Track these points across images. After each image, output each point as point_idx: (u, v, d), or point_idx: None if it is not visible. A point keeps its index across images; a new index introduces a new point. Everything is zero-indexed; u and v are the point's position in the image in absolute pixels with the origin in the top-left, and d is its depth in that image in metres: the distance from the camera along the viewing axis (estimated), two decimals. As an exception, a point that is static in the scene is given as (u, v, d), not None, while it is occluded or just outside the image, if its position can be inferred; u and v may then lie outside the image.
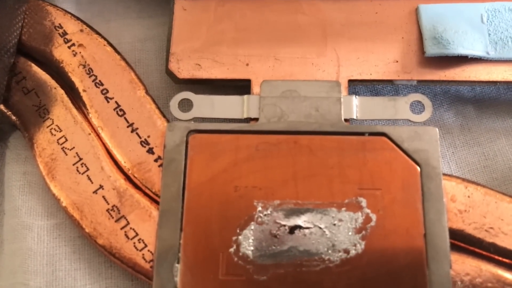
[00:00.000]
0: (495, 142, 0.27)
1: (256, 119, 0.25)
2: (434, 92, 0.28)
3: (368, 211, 0.23)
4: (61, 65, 0.27)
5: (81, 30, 0.27)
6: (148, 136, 0.25)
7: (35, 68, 0.27)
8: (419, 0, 0.28)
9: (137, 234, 0.23)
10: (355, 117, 0.25)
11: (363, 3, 0.28)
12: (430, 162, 0.23)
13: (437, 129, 0.24)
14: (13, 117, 0.26)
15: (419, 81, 0.26)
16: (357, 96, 0.25)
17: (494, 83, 0.26)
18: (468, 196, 0.24)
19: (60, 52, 0.27)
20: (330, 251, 0.22)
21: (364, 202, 0.23)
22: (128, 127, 0.25)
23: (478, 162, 0.26)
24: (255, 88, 0.26)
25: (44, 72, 0.27)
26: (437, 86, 0.27)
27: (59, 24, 0.28)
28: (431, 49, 0.26)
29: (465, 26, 0.26)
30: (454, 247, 0.23)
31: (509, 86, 0.27)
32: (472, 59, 0.26)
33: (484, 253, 0.23)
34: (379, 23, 0.27)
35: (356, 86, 0.28)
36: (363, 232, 0.22)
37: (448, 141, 0.27)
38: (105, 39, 0.27)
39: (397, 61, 0.26)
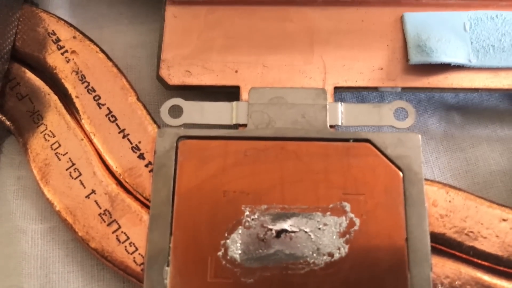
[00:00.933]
0: (477, 147, 0.27)
1: (245, 125, 0.26)
2: (419, 99, 0.29)
3: (352, 215, 0.23)
4: (55, 71, 0.27)
5: (74, 37, 0.28)
6: (139, 142, 0.25)
7: (29, 74, 0.28)
8: (405, 7, 0.28)
9: (128, 238, 0.24)
10: (340, 124, 0.26)
11: (350, 11, 0.28)
12: (412, 168, 0.24)
13: (419, 136, 0.25)
14: (8, 123, 0.27)
15: (403, 88, 0.27)
16: (342, 103, 0.26)
17: (476, 90, 0.27)
18: (449, 201, 0.24)
19: (54, 59, 0.28)
20: (315, 255, 0.23)
21: (348, 207, 0.24)
22: (119, 133, 0.26)
23: (460, 167, 0.27)
24: (244, 95, 0.27)
25: (38, 78, 0.27)
26: (421, 92, 0.28)
27: (52, 30, 0.28)
28: (415, 57, 0.26)
29: (449, 34, 0.27)
30: (435, 251, 0.24)
31: (491, 93, 0.28)
32: (455, 66, 0.27)
33: (464, 256, 0.24)
34: (365, 31, 0.28)
35: (343, 92, 0.28)
36: (347, 236, 0.23)
37: (431, 146, 0.28)
38: (97, 45, 0.28)
39: (382, 69, 0.27)
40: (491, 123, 0.28)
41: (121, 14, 0.31)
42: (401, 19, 0.28)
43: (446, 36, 0.27)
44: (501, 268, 0.24)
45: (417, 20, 0.28)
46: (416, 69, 0.27)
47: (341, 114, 0.26)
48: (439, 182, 0.25)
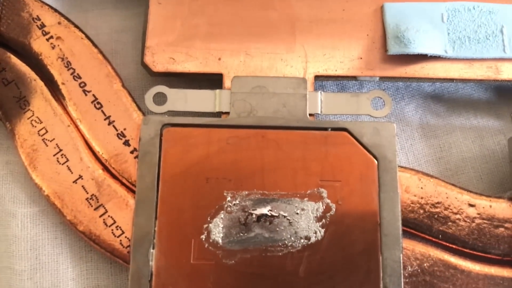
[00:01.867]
0: (451, 134, 0.29)
1: (227, 113, 0.26)
2: (396, 86, 0.30)
3: (328, 201, 0.25)
4: (40, 57, 0.28)
5: (59, 23, 0.28)
6: (124, 129, 0.26)
7: (14, 60, 0.28)
8: (386, -3, 0.29)
9: (114, 222, 0.25)
10: (319, 112, 0.26)
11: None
12: (387, 156, 0.25)
13: (394, 125, 0.26)
14: (-6, 108, 0.27)
15: (381, 78, 0.28)
16: (322, 92, 0.27)
17: (451, 80, 0.28)
18: (421, 188, 0.26)
19: (39, 45, 0.28)
20: (292, 238, 0.24)
21: (325, 193, 0.25)
22: (105, 119, 0.26)
23: (434, 153, 0.28)
24: (227, 82, 0.27)
25: (23, 64, 0.28)
26: (398, 82, 0.29)
27: (37, 16, 0.28)
28: (393, 48, 0.27)
29: (426, 25, 0.28)
30: (406, 234, 0.25)
31: (465, 82, 0.29)
32: (431, 57, 0.27)
33: (433, 239, 0.25)
34: (346, 20, 0.28)
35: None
36: (323, 220, 0.24)
37: (407, 133, 0.29)
38: (82, 32, 0.28)
39: (361, 58, 0.28)
40: (465, 111, 0.29)
41: (106, -2, 0.31)
42: (381, 9, 0.28)
43: (424, 27, 0.28)
44: (467, 251, 0.25)
45: (396, 11, 0.28)
46: (394, 59, 0.28)
47: (320, 103, 0.27)
48: (411, 169, 0.26)
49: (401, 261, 0.24)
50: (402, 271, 0.24)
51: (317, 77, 0.27)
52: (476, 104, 0.29)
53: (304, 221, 0.24)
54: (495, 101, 0.29)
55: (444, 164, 0.28)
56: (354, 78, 0.28)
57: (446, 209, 0.25)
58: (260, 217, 0.24)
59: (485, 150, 0.28)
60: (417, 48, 0.27)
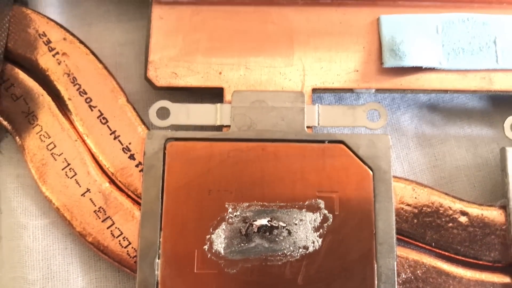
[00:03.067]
0: (445, 143, 0.29)
1: (228, 126, 0.27)
2: (392, 97, 0.30)
3: (326, 211, 0.26)
4: (47, 73, 0.29)
5: (64, 39, 0.29)
6: (130, 143, 0.27)
7: (22, 75, 0.29)
8: (381, 8, 0.29)
9: (121, 233, 0.26)
10: (317, 125, 0.27)
11: (328, 12, 0.29)
12: (382, 167, 0.26)
13: (389, 137, 0.27)
14: (4, 123, 0.28)
15: (377, 90, 0.28)
16: (319, 105, 0.28)
17: (445, 91, 0.28)
18: (415, 197, 0.27)
19: (45, 61, 0.29)
20: (291, 248, 0.25)
21: (322, 204, 0.26)
22: (111, 134, 0.27)
23: (428, 162, 0.29)
24: (227, 95, 0.28)
25: (31, 79, 0.29)
26: (394, 93, 0.30)
27: (43, 32, 0.29)
28: (389, 61, 0.28)
29: (422, 37, 0.29)
30: (400, 242, 0.26)
31: (459, 93, 0.29)
32: (426, 68, 0.28)
33: (426, 247, 0.26)
34: (342, 33, 0.29)
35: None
36: (321, 230, 0.26)
37: (402, 142, 0.30)
38: (87, 47, 0.29)
39: (357, 71, 0.28)
40: (459, 121, 0.30)
41: (109, 12, 0.32)
42: (378, 22, 0.29)
43: (419, 39, 0.28)
44: (459, 258, 0.26)
45: (392, 23, 0.29)
46: (390, 71, 0.28)
47: (318, 116, 0.27)
48: (406, 179, 0.27)
49: (395, 269, 0.25)
50: (396, 278, 0.25)
51: (315, 90, 0.28)
52: (470, 114, 0.30)
53: (303, 231, 0.26)
54: (488, 111, 0.30)
55: (438, 172, 0.29)
56: (350, 90, 0.29)
57: (439, 217, 0.26)
58: (260, 227, 0.26)
59: (478, 159, 0.29)
60: (412, 60, 0.28)
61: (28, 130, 0.28)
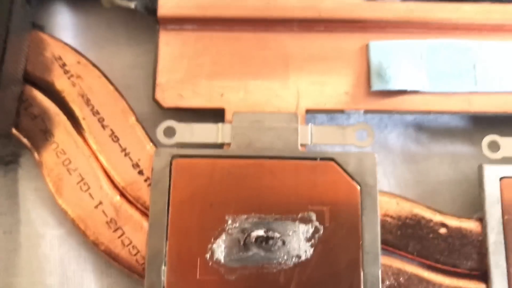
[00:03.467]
0: (429, 160, 0.32)
1: (229, 144, 0.30)
2: (380, 116, 0.33)
3: (317, 223, 0.28)
4: (63, 94, 0.31)
5: (78, 62, 0.32)
6: (139, 160, 0.30)
7: (40, 96, 0.31)
8: (371, 34, 0.32)
9: (131, 242, 0.29)
10: (310, 143, 0.30)
11: (321, 38, 0.32)
12: (368, 183, 0.29)
13: (375, 155, 0.29)
14: (24, 140, 0.31)
15: (365, 110, 0.31)
16: (312, 125, 0.30)
17: (429, 112, 0.31)
18: (399, 210, 0.29)
19: (61, 83, 0.31)
20: (285, 256, 0.28)
21: (314, 216, 0.28)
22: (121, 151, 0.30)
23: (413, 177, 0.32)
24: (228, 116, 0.31)
25: (48, 100, 0.31)
26: (381, 114, 0.32)
27: (59, 56, 0.32)
28: (376, 85, 0.30)
29: (407, 62, 0.31)
30: (385, 251, 0.29)
31: (443, 114, 0.32)
32: (411, 91, 0.31)
33: (409, 256, 0.29)
34: (334, 58, 0.32)
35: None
36: (312, 240, 0.28)
37: (389, 159, 0.32)
38: (99, 70, 0.32)
39: (347, 93, 0.31)
40: (442, 138, 0.32)
41: (119, 35, 0.35)
42: (367, 47, 0.32)
43: (405, 64, 0.31)
44: (439, 266, 0.29)
45: (380, 49, 0.31)
46: (377, 94, 0.31)
47: (310, 135, 0.30)
48: (391, 194, 0.30)
49: (380, 276, 0.27)
50: (380, 285, 0.27)
51: (308, 111, 0.31)
52: (453, 132, 0.33)
53: (296, 242, 0.28)
54: (469, 129, 0.33)
55: (422, 187, 0.31)
56: (341, 111, 0.31)
57: (421, 229, 0.29)
58: (257, 238, 0.28)
59: (459, 174, 0.32)
60: (397, 84, 0.30)
61: (45, 147, 0.30)
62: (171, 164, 0.29)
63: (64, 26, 0.34)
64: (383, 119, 0.33)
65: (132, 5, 0.32)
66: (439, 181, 0.31)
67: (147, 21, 0.33)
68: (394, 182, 0.32)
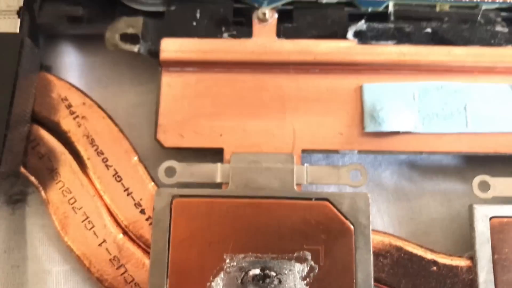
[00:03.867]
0: (421, 198, 0.33)
1: (227, 183, 0.31)
2: (374, 155, 0.34)
3: (312, 262, 0.29)
4: (68, 134, 0.32)
5: (84, 103, 0.33)
6: (141, 199, 0.31)
7: (47, 136, 0.33)
8: (364, 75, 0.33)
9: (133, 279, 0.30)
10: (305, 183, 0.31)
11: (317, 79, 0.33)
12: (362, 222, 0.30)
13: (368, 195, 0.30)
14: (31, 178, 0.32)
15: (359, 151, 0.32)
16: (307, 166, 0.31)
17: (421, 152, 0.32)
18: (391, 249, 0.30)
19: (67, 123, 0.33)
20: (281, 294, 0.29)
21: (309, 255, 0.29)
22: (124, 191, 0.31)
23: (406, 214, 0.33)
24: (227, 155, 0.32)
25: (54, 139, 0.32)
26: (375, 154, 0.33)
27: (65, 97, 0.33)
28: (369, 127, 0.32)
29: (399, 104, 0.32)
30: (377, 289, 0.30)
31: (435, 154, 0.33)
32: (403, 132, 0.32)
33: (400, 293, 0.30)
34: (329, 99, 0.33)
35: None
36: (307, 279, 0.29)
37: (383, 197, 0.33)
38: (104, 111, 0.33)
39: (342, 134, 0.32)
40: (435, 177, 0.33)
41: (123, 75, 0.36)
42: (361, 89, 0.33)
43: (397, 106, 0.32)
44: (430, 304, 0.30)
45: (373, 91, 0.33)
46: (370, 135, 0.32)
47: (306, 175, 0.31)
48: (384, 233, 0.31)
49: (373, 314, 0.28)
50: (373, 322, 0.28)
51: (304, 151, 0.32)
52: (445, 171, 0.34)
53: (292, 280, 0.29)
54: (461, 168, 0.34)
55: (415, 224, 0.32)
56: (336, 151, 0.32)
57: (412, 267, 0.30)
58: (254, 276, 0.29)
59: (452, 212, 0.33)
60: (390, 126, 0.31)
61: (52, 186, 0.32)
62: (171, 203, 0.30)
63: (71, 66, 0.36)
64: (377, 157, 0.34)
65: (136, 49, 0.33)
66: (432, 218, 0.32)
67: (150, 62, 0.34)
68: (388, 219, 0.33)
